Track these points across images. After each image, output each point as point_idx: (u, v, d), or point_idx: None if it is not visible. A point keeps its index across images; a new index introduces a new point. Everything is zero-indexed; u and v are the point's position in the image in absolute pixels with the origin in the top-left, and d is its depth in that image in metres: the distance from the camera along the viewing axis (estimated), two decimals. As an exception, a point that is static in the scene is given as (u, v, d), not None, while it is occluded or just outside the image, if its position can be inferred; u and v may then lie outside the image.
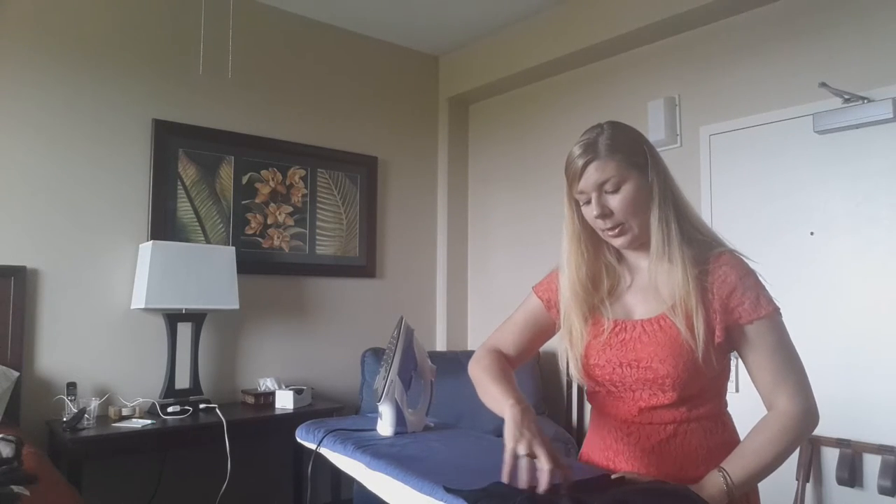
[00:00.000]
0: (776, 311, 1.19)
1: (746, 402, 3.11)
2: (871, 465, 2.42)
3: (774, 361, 1.18)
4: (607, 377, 1.25)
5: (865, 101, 2.48)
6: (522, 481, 1.02)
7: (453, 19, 3.74)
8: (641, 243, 1.25)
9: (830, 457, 2.53)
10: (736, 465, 1.12)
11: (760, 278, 1.22)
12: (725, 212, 2.93)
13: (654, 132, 3.13)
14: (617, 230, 1.22)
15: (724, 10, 2.92)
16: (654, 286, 1.23)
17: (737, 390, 2.83)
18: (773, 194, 2.78)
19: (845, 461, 2.45)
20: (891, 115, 2.40)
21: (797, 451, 2.54)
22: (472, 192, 4.31)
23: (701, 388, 1.21)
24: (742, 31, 2.93)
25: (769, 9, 2.84)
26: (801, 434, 1.16)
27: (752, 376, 1.21)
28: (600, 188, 1.20)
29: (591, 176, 1.19)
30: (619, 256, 1.32)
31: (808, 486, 2.54)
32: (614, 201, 1.20)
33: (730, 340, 1.20)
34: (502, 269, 4.01)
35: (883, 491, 2.34)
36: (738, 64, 2.93)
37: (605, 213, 1.20)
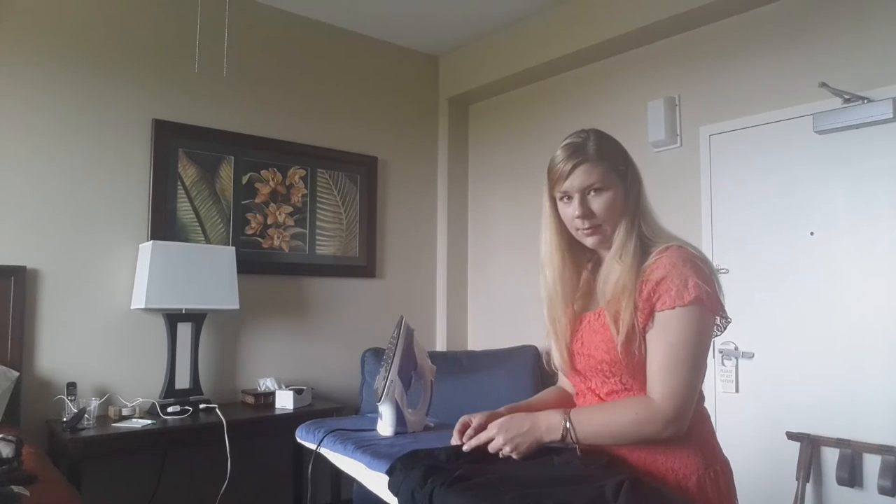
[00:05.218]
0: (693, 302, 1.18)
1: (747, 403, 3.12)
2: (871, 465, 2.42)
3: (669, 356, 1.19)
4: (579, 366, 1.34)
5: (865, 101, 2.48)
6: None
7: (453, 19, 3.74)
8: (610, 244, 1.32)
9: (830, 457, 2.53)
10: (581, 418, 1.23)
11: (706, 273, 1.22)
12: (725, 212, 2.93)
13: (654, 132, 3.13)
14: (592, 230, 1.30)
15: (724, 10, 2.92)
16: (603, 282, 1.31)
17: (736, 391, 2.84)
18: (773, 194, 2.78)
19: (845, 461, 2.44)
20: (891, 115, 2.40)
21: (797, 452, 2.54)
22: (472, 192, 4.31)
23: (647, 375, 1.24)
24: (742, 31, 2.93)
25: (769, 9, 2.84)
26: (646, 434, 1.19)
27: (647, 361, 1.22)
28: (585, 190, 1.28)
29: (578, 178, 1.27)
30: (593, 255, 1.39)
31: (808, 486, 2.53)
32: (596, 204, 1.28)
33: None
34: (502, 269, 4.01)
35: (883, 491, 2.34)
36: (738, 64, 2.93)
37: (587, 214, 1.28)
